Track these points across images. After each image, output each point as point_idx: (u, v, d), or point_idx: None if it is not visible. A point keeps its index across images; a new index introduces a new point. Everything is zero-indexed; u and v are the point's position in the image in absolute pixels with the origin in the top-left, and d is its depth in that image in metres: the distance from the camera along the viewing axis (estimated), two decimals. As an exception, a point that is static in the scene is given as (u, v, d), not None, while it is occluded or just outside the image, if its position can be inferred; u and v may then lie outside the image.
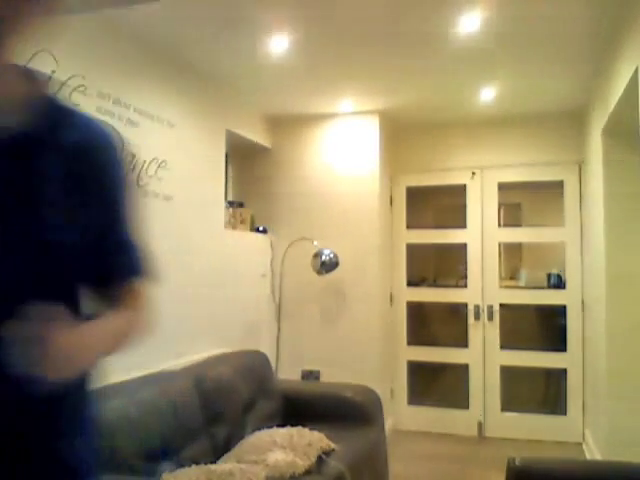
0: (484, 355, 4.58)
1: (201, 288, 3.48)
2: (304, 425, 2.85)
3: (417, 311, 4.86)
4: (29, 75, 0.92)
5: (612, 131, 3.30)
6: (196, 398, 2.62)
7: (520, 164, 4.53)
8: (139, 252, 1.01)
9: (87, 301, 0.94)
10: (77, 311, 0.91)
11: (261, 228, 4.44)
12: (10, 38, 0.83)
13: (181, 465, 2.29)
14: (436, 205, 5.23)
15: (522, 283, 4.66)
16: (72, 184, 0.89)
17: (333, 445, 2.73)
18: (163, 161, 3.13)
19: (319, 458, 2.58)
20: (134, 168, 2.85)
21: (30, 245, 0.83)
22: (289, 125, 4.53)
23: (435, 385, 4.97)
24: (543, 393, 4.79)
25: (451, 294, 4.73)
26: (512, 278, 4.77)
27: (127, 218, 1.00)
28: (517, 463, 1.97)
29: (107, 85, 2.72)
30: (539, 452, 4.07)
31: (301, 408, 3.24)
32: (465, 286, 4.65)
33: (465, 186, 4.66)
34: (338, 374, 4.19)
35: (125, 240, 0.99)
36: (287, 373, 4.24)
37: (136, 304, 0.99)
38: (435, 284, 4.92)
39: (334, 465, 2.59)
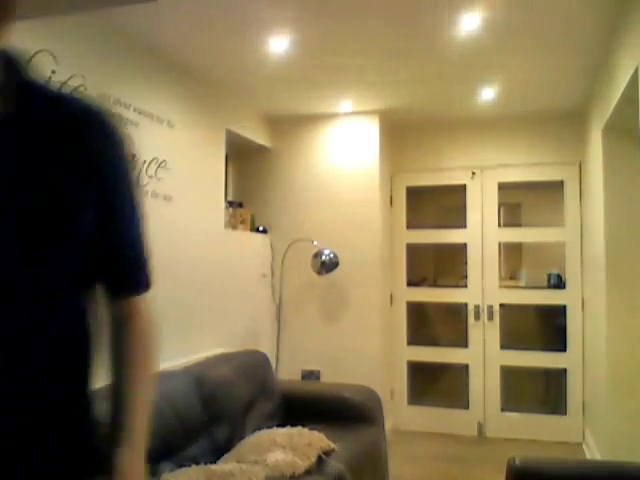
0: (484, 355, 4.58)
1: (201, 288, 3.48)
2: (304, 425, 2.85)
3: (417, 311, 4.86)
4: (7, 58, 0.84)
5: (612, 131, 3.30)
6: (196, 398, 2.62)
7: (520, 164, 4.53)
8: (146, 257, 0.94)
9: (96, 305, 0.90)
10: (83, 314, 0.87)
11: (261, 228, 4.44)
12: None
13: (181, 465, 2.29)
14: (436, 205, 5.23)
15: (522, 283, 4.66)
16: (65, 169, 0.82)
17: (333, 445, 2.73)
18: (163, 161, 3.13)
19: (319, 458, 2.58)
20: (134, 166, 2.84)
21: (24, 240, 0.77)
22: (289, 125, 4.53)
23: (435, 385, 4.97)
24: (543, 393, 4.79)
25: (451, 294, 4.73)
26: (512, 278, 4.77)
27: (131, 209, 0.92)
28: (517, 463, 1.97)
29: (107, 85, 2.72)
30: (539, 452, 4.07)
31: (301, 408, 3.24)
32: (465, 286, 4.65)
33: (465, 186, 4.66)
34: (338, 374, 4.19)
35: (132, 240, 0.92)
36: (287, 373, 4.24)
37: (144, 327, 0.93)
38: (435, 284, 4.92)
39: (334, 465, 2.59)
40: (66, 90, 0.97)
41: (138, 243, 0.93)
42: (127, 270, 0.92)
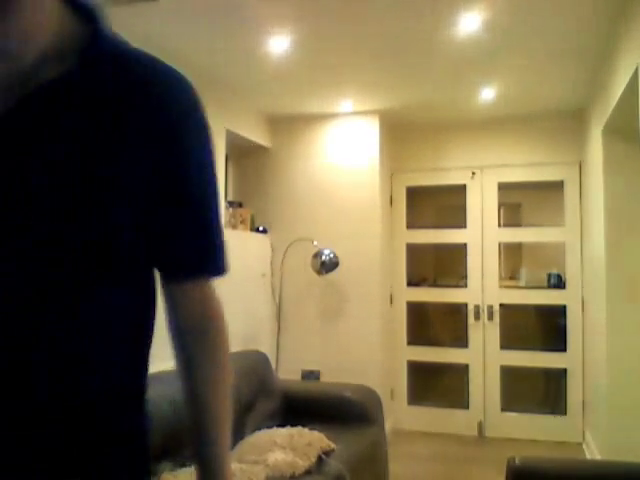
0: (484, 355, 4.58)
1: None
2: (304, 425, 2.85)
3: (417, 311, 4.86)
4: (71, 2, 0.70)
5: (612, 131, 3.30)
6: (196, 398, 2.62)
7: (520, 164, 4.53)
8: (220, 240, 0.81)
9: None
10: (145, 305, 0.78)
11: (261, 228, 4.44)
12: None
13: (181, 465, 2.29)
14: (436, 205, 5.23)
15: (522, 283, 4.66)
16: (132, 141, 0.70)
17: (333, 445, 2.73)
18: (163, 161, 3.13)
19: (319, 458, 2.59)
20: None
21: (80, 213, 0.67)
22: (289, 125, 4.53)
23: (435, 385, 4.97)
24: (543, 393, 4.79)
25: (451, 294, 4.73)
26: (512, 278, 4.77)
27: (208, 190, 0.78)
28: (517, 463, 1.97)
29: (107, 85, 2.71)
30: (539, 452, 4.07)
31: (301, 408, 3.24)
32: (465, 286, 4.65)
33: (465, 186, 4.66)
34: (338, 374, 4.19)
35: (204, 221, 0.79)
36: (287, 373, 4.24)
37: (215, 319, 0.83)
38: (435, 284, 4.92)
39: (334, 465, 2.59)
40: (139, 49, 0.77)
41: (211, 225, 0.80)
42: (199, 250, 0.80)
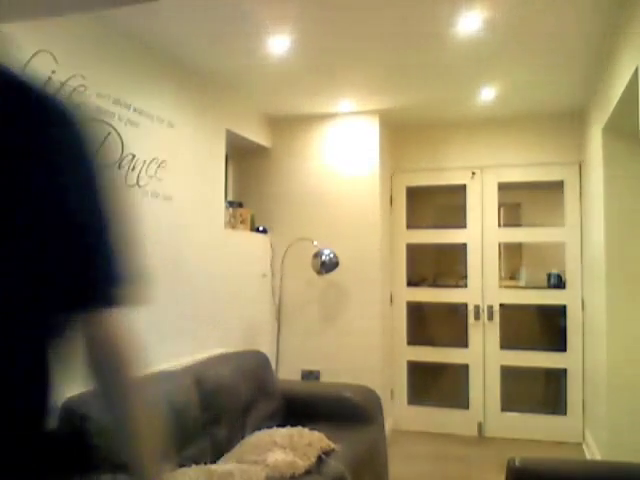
0: (484, 355, 4.58)
1: (201, 288, 3.48)
2: (304, 425, 2.85)
3: (417, 311, 4.86)
4: None
5: (612, 131, 3.30)
6: (196, 398, 2.62)
7: (520, 164, 4.53)
8: (114, 270, 0.80)
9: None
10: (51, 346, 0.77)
11: (261, 228, 4.44)
12: None
13: (181, 465, 2.29)
14: (436, 205, 5.23)
15: (522, 283, 4.66)
16: (15, 170, 0.70)
17: (333, 445, 2.73)
18: (163, 161, 3.13)
19: (319, 458, 2.59)
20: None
21: None
22: (289, 125, 4.53)
23: (435, 385, 4.97)
24: (543, 393, 4.79)
25: (451, 294, 4.73)
26: (512, 278, 4.77)
27: (100, 216, 0.79)
28: (517, 463, 1.97)
29: (107, 85, 2.72)
30: (539, 452, 4.08)
31: (301, 408, 3.24)
32: (465, 286, 4.65)
33: (465, 186, 4.66)
34: (338, 374, 4.19)
35: (98, 248, 0.79)
36: (287, 373, 4.24)
37: (114, 346, 0.82)
38: (435, 284, 4.92)
39: (334, 465, 2.59)
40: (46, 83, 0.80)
41: (102, 256, 0.80)
42: (89, 284, 0.79)
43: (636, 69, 2.37)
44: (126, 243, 0.82)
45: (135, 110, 2.92)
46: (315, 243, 4.23)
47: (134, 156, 2.88)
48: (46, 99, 0.77)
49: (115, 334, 0.82)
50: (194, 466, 2.30)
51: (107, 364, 0.83)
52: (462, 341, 4.64)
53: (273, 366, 3.57)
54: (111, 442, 0.86)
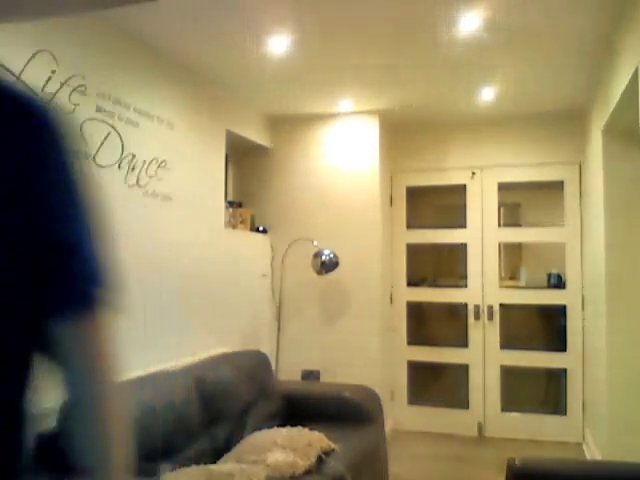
0: (484, 355, 4.58)
1: (201, 288, 3.48)
2: (304, 425, 2.85)
3: (417, 311, 4.86)
4: None
5: (612, 131, 3.30)
6: (196, 398, 2.62)
7: (520, 164, 4.53)
8: (92, 273, 0.77)
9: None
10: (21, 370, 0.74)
11: (261, 228, 4.44)
12: None
13: (181, 465, 2.29)
14: (436, 205, 5.23)
15: (522, 283, 4.66)
16: None
17: (333, 445, 2.73)
18: (163, 161, 3.13)
19: (319, 458, 2.58)
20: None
21: None
22: (289, 125, 4.53)
23: (435, 385, 4.97)
24: (543, 393, 4.79)
25: (451, 294, 4.73)
26: (512, 278, 4.77)
27: (78, 223, 0.76)
28: (517, 463, 1.97)
29: (107, 85, 2.72)
30: (539, 452, 4.08)
31: (301, 408, 3.24)
32: (465, 286, 4.65)
33: (465, 186, 4.66)
34: (338, 374, 4.19)
35: (76, 248, 0.75)
36: (287, 373, 4.24)
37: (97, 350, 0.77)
38: (435, 284, 4.92)
39: (334, 465, 2.59)
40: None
41: (81, 257, 0.76)
42: (66, 285, 0.75)
43: (636, 69, 2.37)
44: (104, 244, 0.78)
45: (135, 110, 2.92)
46: (315, 243, 4.23)
47: (134, 156, 2.88)
48: (13, 95, 0.74)
49: (92, 338, 0.78)
50: (194, 466, 2.30)
51: (84, 369, 0.78)
52: (462, 341, 4.64)
53: (273, 366, 3.57)
54: (78, 446, 0.81)
